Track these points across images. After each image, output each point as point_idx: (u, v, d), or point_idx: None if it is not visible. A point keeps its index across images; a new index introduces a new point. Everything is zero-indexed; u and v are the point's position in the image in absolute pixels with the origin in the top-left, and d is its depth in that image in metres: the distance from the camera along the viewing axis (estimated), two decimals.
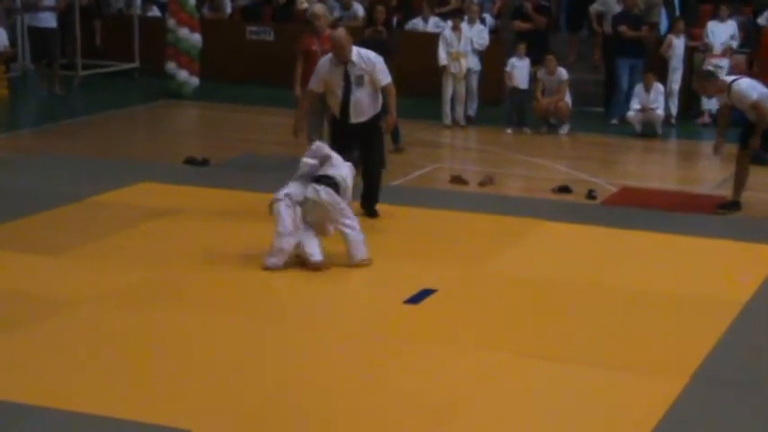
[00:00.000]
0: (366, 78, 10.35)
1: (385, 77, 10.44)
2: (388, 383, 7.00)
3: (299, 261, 9.13)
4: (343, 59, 10.30)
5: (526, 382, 7.05)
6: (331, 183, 9.08)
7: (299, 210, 9.02)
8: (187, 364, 7.21)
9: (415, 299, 8.49)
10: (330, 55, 10.50)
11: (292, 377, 7.04)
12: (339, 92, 10.36)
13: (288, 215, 8.97)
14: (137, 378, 6.98)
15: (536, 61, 15.84)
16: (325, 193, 9.01)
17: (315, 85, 10.57)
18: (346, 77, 10.32)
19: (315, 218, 9.09)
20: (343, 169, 9.21)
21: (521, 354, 7.49)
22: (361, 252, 9.18)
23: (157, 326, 7.88)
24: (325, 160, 9.25)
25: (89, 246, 9.68)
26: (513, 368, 7.26)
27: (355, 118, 10.38)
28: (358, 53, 10.37)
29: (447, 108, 15.73)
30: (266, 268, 9.02)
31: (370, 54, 10.48)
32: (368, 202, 10.69)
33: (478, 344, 7.67)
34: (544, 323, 8.12)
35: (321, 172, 9.17)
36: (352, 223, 9.17)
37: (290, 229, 8.98)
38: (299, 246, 9.04)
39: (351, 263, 9.17)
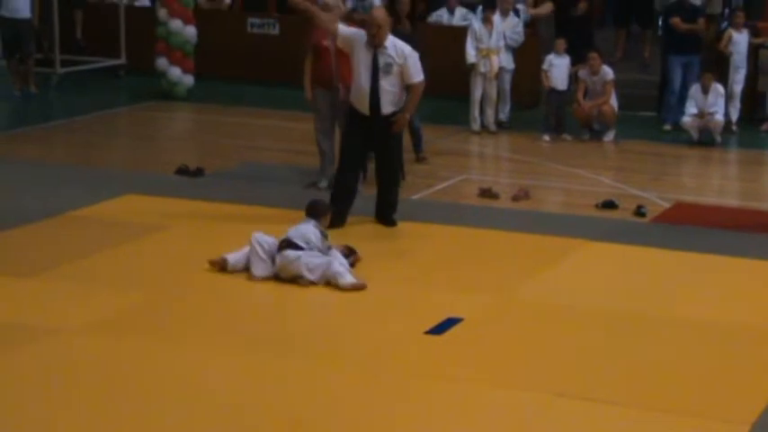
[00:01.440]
0: (395, 69, 10.58)
1: (417, 74, 10.70)
2: (403, 428, 7.04)
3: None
4: (376, 42, 10.52)
5: (554, 426, 7.07)
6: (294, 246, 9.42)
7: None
8: (185, 404, 7.25)
9: (438, 329, 8.52)
10: (363, 33, 10.70)
11: (294, 419, 7.09)
12: (365, 81, 10.55)
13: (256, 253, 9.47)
14: (124, 418, 7.04)
15: (577, 59, 15.86)
16: (289, 254, 9.37)
17: (343, 35, 10.75)
18: (374, 62, 10.51)
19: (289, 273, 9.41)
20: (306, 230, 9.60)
21: (559, 394, 7.49)
22: (350, 278, 9.31)
23: (147, 358, 7.92)
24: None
25: (68, 266, 9.73)
26: (551, 411, 7.27)
27: (382, 110, 10.61)
28: (393, 42, 10.68)
29: (476, 111, 15.75)
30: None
31: (406, 47, 10.73)
32: (383, 213, 10.80)
33: (509, 382, 7.69)
34: (585, 358, 8.14)
35: (287, 236, 9.53)
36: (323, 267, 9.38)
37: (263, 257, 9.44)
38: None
39: (340, 285, 9.28)
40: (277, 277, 9.44)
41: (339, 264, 9.36)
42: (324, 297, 9.18)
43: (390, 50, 10.67)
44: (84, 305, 8.84)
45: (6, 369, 7.70)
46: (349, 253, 9.78)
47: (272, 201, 11.19)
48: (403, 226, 10.92)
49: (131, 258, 10.04)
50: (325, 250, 9.53)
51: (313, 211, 9.80)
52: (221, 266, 9.55)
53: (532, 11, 17.01)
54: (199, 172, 13.09)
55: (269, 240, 9.51)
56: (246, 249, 9.53)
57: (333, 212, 10.22)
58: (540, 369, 7.94)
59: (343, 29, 10.90)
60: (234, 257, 9.56)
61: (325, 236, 9.65)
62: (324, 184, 12.38)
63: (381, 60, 10.63)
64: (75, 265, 9.77)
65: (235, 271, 9.51)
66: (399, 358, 8.07)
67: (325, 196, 11.27)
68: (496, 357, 8.14)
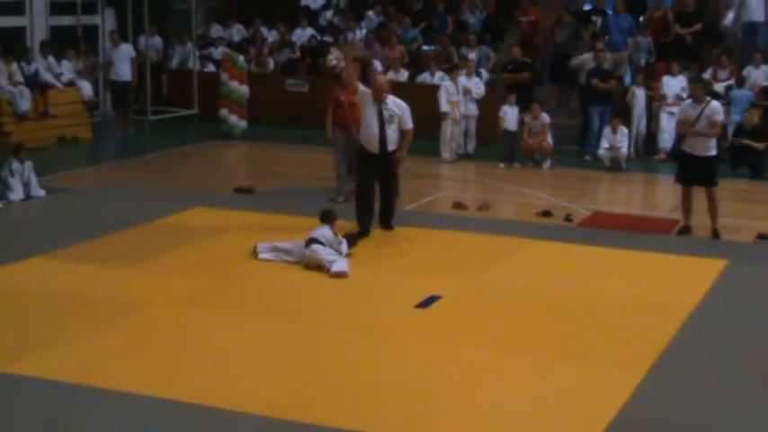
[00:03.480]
0: (396, 119, 10.54)
1: (409, 122, 10.69)
2: (399, 375, 7.01)
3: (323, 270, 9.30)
4: (379, 99, 10.49)
5: (514, 375, 7.05)
6: (318, 242, 9.48)
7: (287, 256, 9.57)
8: (234, 357, 7.25)
9: (424, 304, 8.51)
10: (369, 91, 10.65)
11: (319, 367, 7.07)
12: (375, 128, 10.49)
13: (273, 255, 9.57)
14: (201, 367, 7.02)
15: (524, 108, 15.86)
16: (316, 248, 9.41)
17: (360, 89, 10.64)
18: (380, 115, 10.47)
19: (314, 262, 9.37)
20: (326, 232, 9.64)
21: (510, 350, 7.49)
22: (339, 266, 9.23)
23: (214, 324, 7.92)
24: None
25: (156, 259, 9.75)
26: (504, 363, 7.26)
27: (388, 148, 10.57)
28: (392, 99, 10.64)
29: (447, 146, 15.80)
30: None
31: (401, 102, 10.75)
32: (385, 220, 10.82)
33: (477, 342, 7.68)
34: (530, 324, 8.13)
35: (312, 236, 9.54)
36: (335, 257, 9.37)
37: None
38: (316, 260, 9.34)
39: (330, 272, 9.21)
40: (306, 266, 9.42)
41: (341, 261, 9.33)
42: (335, 282, 9.13)
43: (391, 105, 10.59)
44: (166, 287, 8.84)
45: (111, 333, 7.70)
46: (350, 240, 9.83)
47: (303, 211, 11.18)
48: (397, 230, 10.90)
49: (200, 253, 10.03)
50: (337, 245, 9.57)
51: (326, 217, 9.84)
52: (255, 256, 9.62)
53: (508, 76, 16.88)
54: (251, 190, 13.09)
55: (266, 245, 9.66)
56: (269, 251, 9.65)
57: (360, 224, 10.44)
58: (499, 332, 7.92)
59: (360, 87, 10.79)
60: (262, 256, 9.62)
61: (335, 233, 9.67)
62: (341, 199, 12.37)
63: (385, 113, 10.55)
64: (160, 258, 9.78)
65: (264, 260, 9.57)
66: (397, 324, 8.04)
67: (342, 208, 11.30)
68: (468, 324, 8.11)
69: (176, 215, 11.53)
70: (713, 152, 11.17)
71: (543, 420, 6.28)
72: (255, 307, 8.44)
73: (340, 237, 9.74)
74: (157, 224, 11.17)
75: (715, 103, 11.27)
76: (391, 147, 10.61)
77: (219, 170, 15.21)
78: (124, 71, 17.55)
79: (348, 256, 9.68)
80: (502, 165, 15.48)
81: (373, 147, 10.56)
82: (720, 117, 11.33)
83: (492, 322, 8.17)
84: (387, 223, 10.82)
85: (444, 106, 15.70)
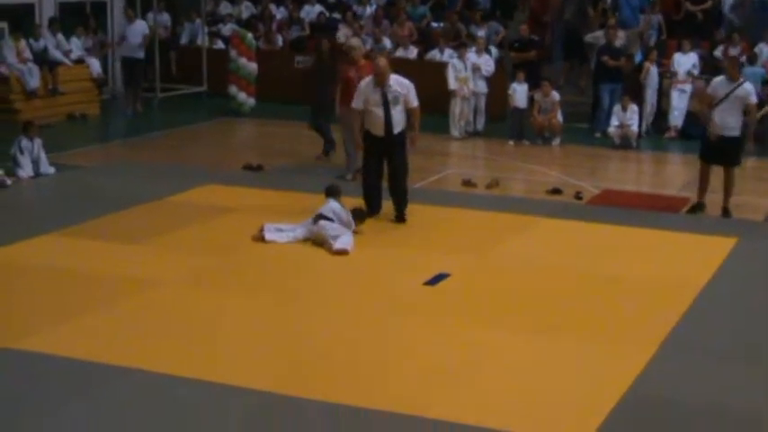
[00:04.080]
0: (401, 98, 10.34)
1: (415, 100, 10.43)
2: (408, 350, 7.01)
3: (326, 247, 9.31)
4: (381, 83, 10.28)
5: (523, 352, 7.04)
6: (326, 217, 9.49)
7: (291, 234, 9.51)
8: (245, 334, 7.26)
9: (433, 281, 8.49)
10: (370, 78, 10.47)
11: (324, 345, 7.07)
12: (380, 110, 10.27)
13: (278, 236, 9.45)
14: (208, 344, 7.03)
15: (533, 85, 15.79)
16: (324, 223, 9.43)
17: (357, 103, 10.47)
18: (384, 97, 10.30)
19: (320, 239, 9.37)
20: (334, 206, 9.64)
21: (518, 329, 7.47)
22: (342, 243, 9.19)
23: (222, 303, 7.91)
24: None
25: (166, 236, 9.73)
26: (512, 341, 7.23)
27: (394, 130, 10.36)
28: (395, 79, 10.38)
29: (456, 123, 15.72)
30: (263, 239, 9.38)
31: (404, 80, 10.47)
32: (398, 211, 10.46)
33: (484, 319, 7.67)
34: (539, 302, 8.10)
35: (320, 212, 9.54)
36: (339, 233, 9.35)
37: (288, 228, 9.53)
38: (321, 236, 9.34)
39: (333, 249, 9.19)
40: (314, 242, 9.42)
41: (345, 237, 9.30)
42: (341, 260, 9.11)
43: (394, 86, 10.33)
44: (175, 265, 8.83)
45: (120, 310, 7.71)
46: (358, 215, 9.83)
47: (312, 188, 11.14)
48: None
49: (209, 231, 10.02)
50: (347, 217, 9.56)
51: (331, 192, 9.86)
52: (261, 239, 9.51)
53: (515, 54, 16.79)
54: (259, 168, 13.07)
55: (273, 226, 9.56)
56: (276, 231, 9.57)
57: (368, 206, 10.34)
58: (507, 309, 7.91)
59: (356, 102, 10.44)
60: (268, 236, 9.52)
61: (343, 206, 9.68)
62: (349, 177, 12.32)
63: (389, 95, 10.35)
64: (170, 235, 9.77)
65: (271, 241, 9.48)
66: (406, 302, 8.03)
67: (349, 185, 11.26)
68: (475, 301, 8.10)
69: (185, 192, 11.51)
70: (738, 132, 11.09)
71: (552, 398, 6.26)
72: (262, 286, 8.43)
73: (348, 211, 9.73)
74: (167, 201, 11.15)
75: (748, 85, 11.11)
76: (397, 129, 10.40)
77: (228, 147, 15.18)
78: (136, 48, 17.49)
79: (356, 232, 9.66)
80: (511, 142, 15.42)
81: (379, 130, 10.42)
82: (754, 99, 11.20)
83: (501, 300, 8.15)
84: (399, 214, 10.47)
85: (453, 84, 15.63)
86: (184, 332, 7.27)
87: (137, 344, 7.01)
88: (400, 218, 10.46)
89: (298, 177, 12.43)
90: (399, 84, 10.39)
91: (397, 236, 10.02)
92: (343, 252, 9.16)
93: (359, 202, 10.50)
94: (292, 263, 9.05)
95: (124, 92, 18.35)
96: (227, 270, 8.79)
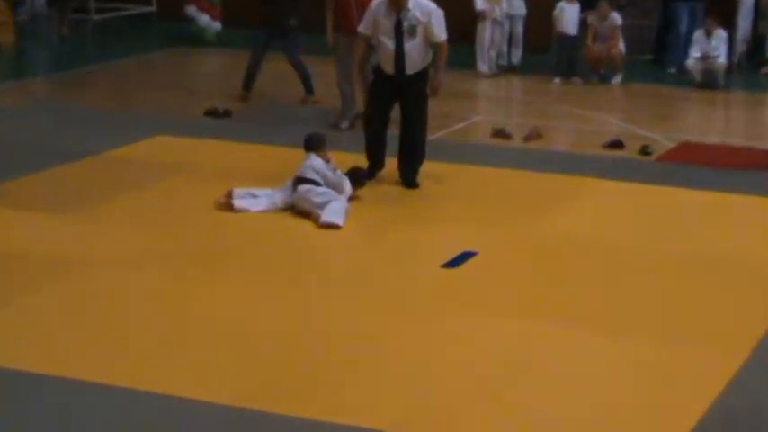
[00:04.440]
0: (419, 29, 10.24)
1: (442, 33, 10.30)
2: (420, 353, 7.00)
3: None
4: (398, 5, 10.18)
5: (574, 356, 7.02)
6: (307, 180, 9.50)
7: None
8: (208, 334, 7.25)
9: (453, 262, 8.48)
10: (382, 2, 10.32)
11: (312, 348, 7.06)
12: (390, 42, 10.23)
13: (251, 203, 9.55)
14: (151, 347, 7.03)
15: (587, 6, 15.70)
16: (305, 189, 9.44)
17: (365, 28, 10.44)
18: (398, 26, 10.22)
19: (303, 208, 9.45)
20: (316, 163, 9.63)
21: (567, 324, 7.45)
22: (330, 214, 9.20)
23: (172, 291, 7.91)
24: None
25: (102, 204, 9.71)
26: (559, 340, 7.22)
27: (408, 70, 10.27)
28: (416, 2, 10.24)
29: (485, 55, 15.68)
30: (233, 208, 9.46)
31: (431, 4, 10.37)
32: (408, 171, 10.45)
33: (520, 312, 7.64)
34: (593, 291, 8.09)
35: (299, 173, 9.57)
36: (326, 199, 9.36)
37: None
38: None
39: (319, 222, 9.20)
40: (296, 211, 9.45)
41: (335, 204, 9.29)
42: (334, 235, 9.10)
43: (414, 11, 10.23)
44: (111, 241, 8.83)
45: (38, 300, 7.71)
46: (355, 176, 9.83)
47: (295, 140, 11.05)
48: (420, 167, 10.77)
49: (161, 196, 10.01)
50: (336, 179, 9.57)
51: (311, 144, 9.80)
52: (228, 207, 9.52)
53: None
54: (226, 114, 13.06)
55: (244, 191, 9.61)
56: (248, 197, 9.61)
57: (370, 162, 10.34)
58: (550, 300, 7.88)
59: (363, 26, 10.48)
60: (238, 204, 9.53)
61: (328, 160, 9.69)
62: (345, 124, 12.31)
63: (405, 23, 10.25)
64: (108, 203, 9.75)
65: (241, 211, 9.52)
66: (418, 289, 8.02)
67: (346, 137, 11.19)
68: (508, 289, 8.08)
69: (129, 146, 11.48)
70: None
71: (619, 414, 6.26)
72: (228, 270, 8.41)
73: (339, 171, 9.69)
74: (103, 158, 11.12)
75: None
76: (412, 69, 10.30)
77: (186, 86, 15.14)
78: None
79: (352, 198, 9.63)
80: (557, 80, 15.40)
81: (388, 67, 10.39)
82: None
83: (542, 287, 8.14)
84: (408, 178, 10.46)
85: (480, 3, 15.60)
86: (123, 330, 7.26)
87: (66, 346, 7.00)
88: (411, 181, 10.44)
89: (276, 127, 12.39)
90: (421, 9, 10.27)
91: (406, 203, 10.01)
92: (332, 226, 9.14)
93: (358, 159, 10.46)
94: (268, 239, 9.02)
95: (46, 12, 18.27)
96: (182, 248, 8.77)
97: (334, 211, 9.25)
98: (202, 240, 8.99)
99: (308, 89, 13.86)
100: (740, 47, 16.02)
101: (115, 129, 12.06)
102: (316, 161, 9.65)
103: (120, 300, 7.77)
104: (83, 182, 10.39)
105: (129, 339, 7.13)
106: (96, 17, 18.48)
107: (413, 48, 10.24)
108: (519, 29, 16.01)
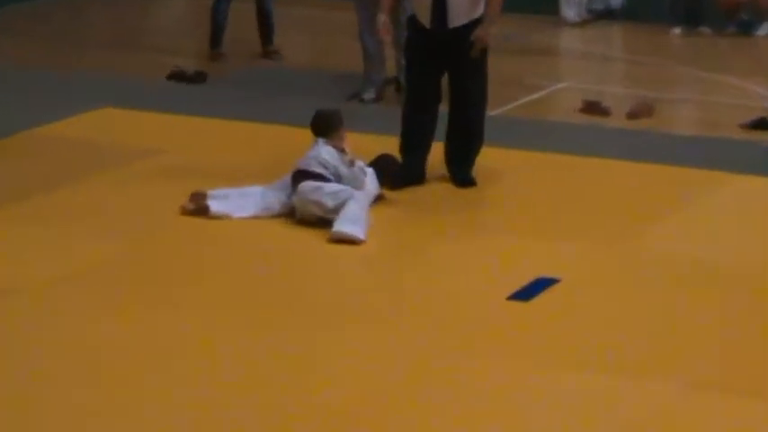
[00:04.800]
0: None
1: None
2: (478, 417, 7.01)
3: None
4: None
5: (690, 425, 7.03)
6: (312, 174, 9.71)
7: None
8: (193, 386, 7.28)
9: (526, 293, 8.53)
10: None
11: (325, 405, 7.08)
12: None
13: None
14: (104, 400, 7.06)
15: None
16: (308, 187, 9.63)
17: None
18: None
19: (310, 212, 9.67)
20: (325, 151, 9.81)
21: (690, 383, 7.44)
22: (346, 223, 9.31)
23: (126, 326, 7.97)
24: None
25: (28, 203, 9.84)
26: (683, 403, 7.24)
27: (451, 22, 10.39)
28: None
29: None
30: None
31: None
32: (459, 163, 10.60)
33: (622, 367, 7.65)
34: (724, 334, 8.09)
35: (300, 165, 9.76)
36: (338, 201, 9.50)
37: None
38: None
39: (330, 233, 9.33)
40: (300, 221, 9.56)
41: (353, 208, 9.40)
42: (353, 252, 9.19)
43: None
44: (52, 255, 8.95)
45: None
46: (383, 169, 10.04)
47: (294, 117, 11.12)
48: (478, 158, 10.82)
49: (110, 192, 10.13)
50: (351, 172, 9.68)
51: (321, 127, 9.89)
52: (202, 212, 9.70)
53: None
54: (199, 77, 13.24)
55: (222, 191, 9.83)
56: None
57: (404, 165, 10.42)
58: (662, 348, 7.89)
59: None
60: (215, 208, 9.72)
61: (343, 153, 9.77)
62: (370, 95, 12.41)
63: None
64: (39, 202, 9.89)
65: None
66: (475, 329, 8.05)
67: (369, 110, 11.21)
68: (605, 333, 8.08)
69: (67, 120, 11.67)
70: None
71: None
72: (202, 297, 8.47)
73: (360, 163, 9.78)
74: (30, 137, 11.30)
75: None
76: (458, 20, 10.42)
77: (146, 40, 15.33)
78: None
79: (378, 198, 9.71)
80: (677, 30, 15.55)
81: (425, 17, 10.49)
82: None
83: (652, 330, 8.11)
84: (460, 172, 10.58)
85: None
86: (69, 381, 7.29)
87: None
88: (463, 176, 10.55)
89: (267, 96, 12.58)
90: None
91: (457, 207, 10.06)
92: (348, 239, 9.22)
93: (390, 144, 10.54)
94: (254, 258, 9.11)
95: None
96: (136, 266, 8.88)
97: (352, 217, 9.30)
98: (165, 255, 9.10)
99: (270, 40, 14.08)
100: None
101: (47, 96, 12.29)
102: (324, 150, 9.73)
103: (48, 334, 7.82)
104: (5, 169, 10.53)
105: (68, 396, 7.17)
106: None
107: None
108: None
